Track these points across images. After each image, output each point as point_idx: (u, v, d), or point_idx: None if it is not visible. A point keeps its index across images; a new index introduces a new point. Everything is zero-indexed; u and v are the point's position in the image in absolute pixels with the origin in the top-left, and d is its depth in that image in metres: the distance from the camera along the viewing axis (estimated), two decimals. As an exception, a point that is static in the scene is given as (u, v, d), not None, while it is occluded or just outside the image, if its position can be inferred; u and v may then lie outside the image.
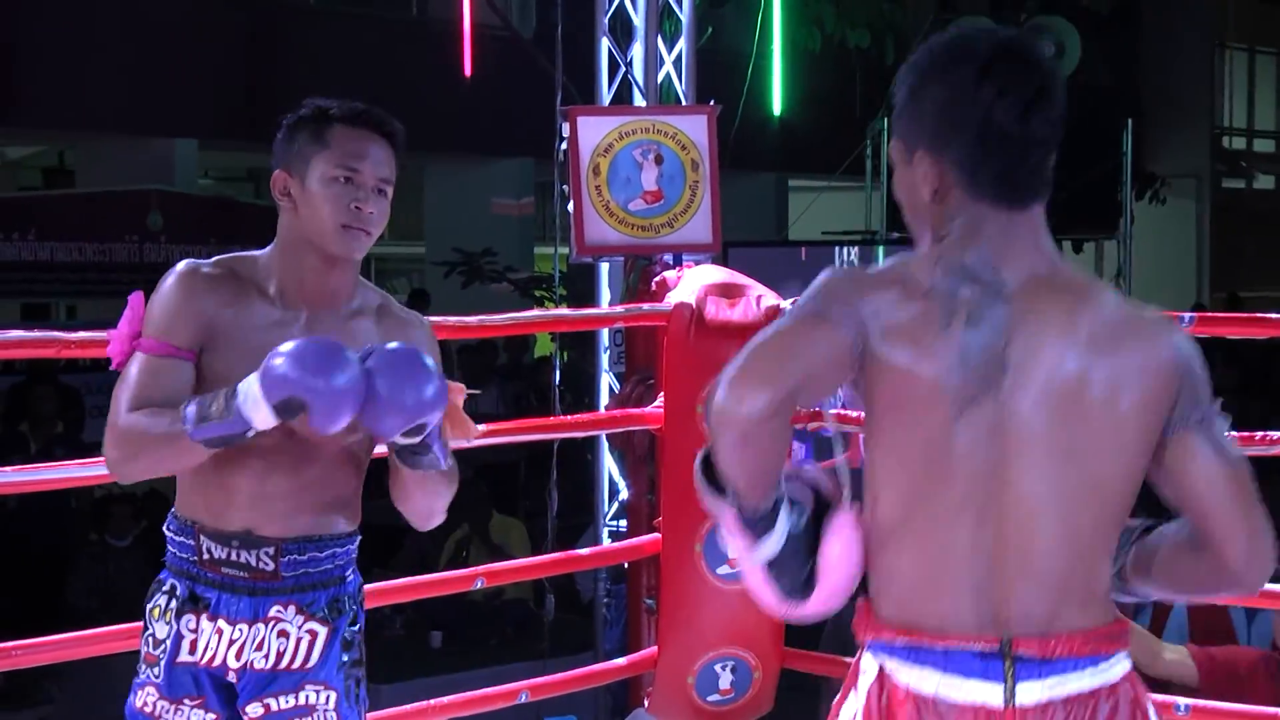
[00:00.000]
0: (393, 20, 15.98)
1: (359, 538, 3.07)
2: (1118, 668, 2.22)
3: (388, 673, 6.73)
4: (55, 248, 12.67)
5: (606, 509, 7.28)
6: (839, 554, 2.26)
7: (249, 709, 2.96)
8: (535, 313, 7.36)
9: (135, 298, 2.97)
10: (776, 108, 10.29)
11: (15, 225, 12.81)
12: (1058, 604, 2.18)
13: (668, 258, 5.91)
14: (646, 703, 5.02)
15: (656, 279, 5.23)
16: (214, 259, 3.01)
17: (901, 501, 2.22)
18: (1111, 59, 16.46)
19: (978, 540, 2.17)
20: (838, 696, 2.32)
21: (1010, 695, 2.15)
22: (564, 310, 6.94)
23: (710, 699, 4.89)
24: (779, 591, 2.30)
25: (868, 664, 2.25)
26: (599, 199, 5.94)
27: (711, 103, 6.28)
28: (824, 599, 2.29)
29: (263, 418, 2.73)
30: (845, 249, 9.69)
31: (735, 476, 2.26)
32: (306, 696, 2.96)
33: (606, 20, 7.44)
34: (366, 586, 4.23)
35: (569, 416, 6.07)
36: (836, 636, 6.02)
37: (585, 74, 7.89)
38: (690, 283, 4.96)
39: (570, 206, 6.02)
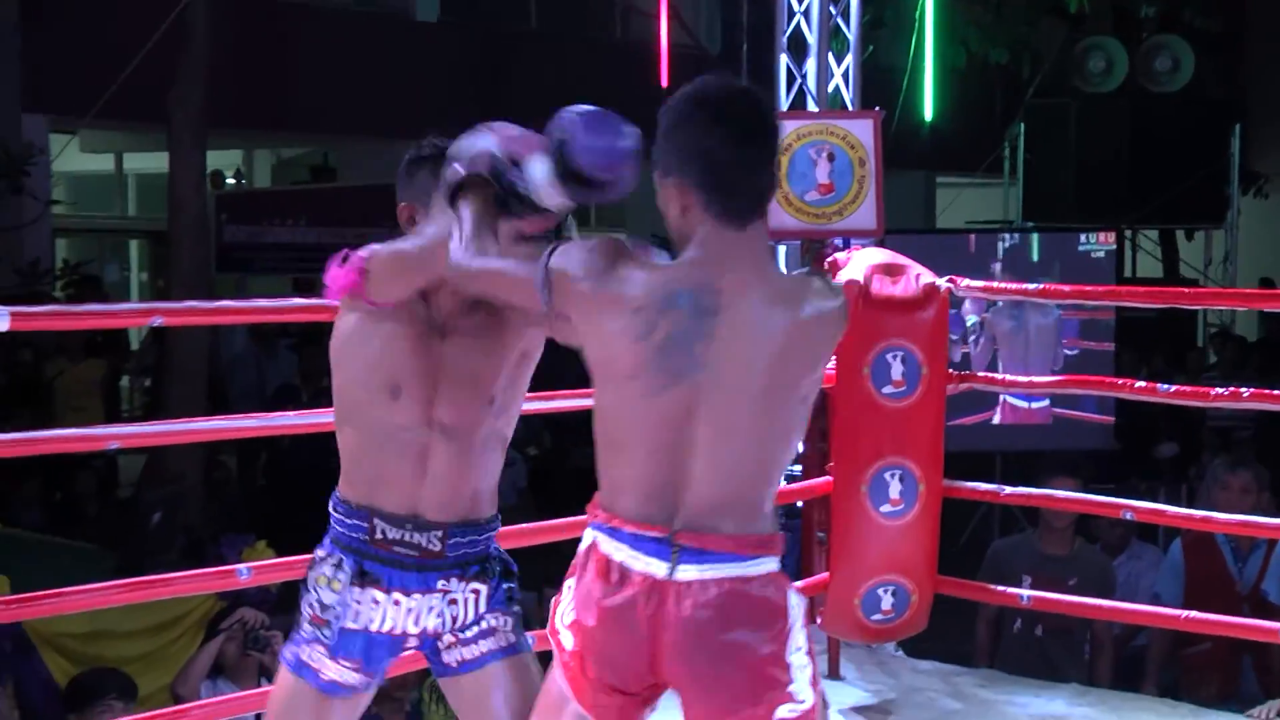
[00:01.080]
0: (599, 41, 16.01)
1: (499, 520, 3.01)
2: (764, 566, 2.49)
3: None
4: (322, 232, 12.86)
5: (781, 455, 7.26)
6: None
7: (443, 639, 2.95)
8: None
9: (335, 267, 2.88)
10: (928, 114, 10.17)
11: (289, 213, 13.06)
12: (714, 516, 2.47)
13: (838, 241, 5.86)
14: (819, 620, 4.99)
15: (829, 259, 5.17)
16: None
17: (617, 432, 2.51)
18: (1221, 72, 16.03)
19: (665, 464, 2.47)
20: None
21: (672, 571, 2.46)
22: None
23: (874, 618, 4.85)
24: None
25: (588, 535, 2.56)
26: (779, 191, 5.89)
27: (877, 109, 6.20)
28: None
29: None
30: (1004, 238, 9.59)
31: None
32: (487, 622, 2.94)
33: (785, 39, 7.40)
34: (555, 522, 4.26)
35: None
36: (992, 569, 5.96)
37: (764, 84, 7.84)
38: (858, 262, 4.90)
39: (755, 197, 5.99)
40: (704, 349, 2.46)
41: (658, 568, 2.46)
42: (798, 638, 2.51)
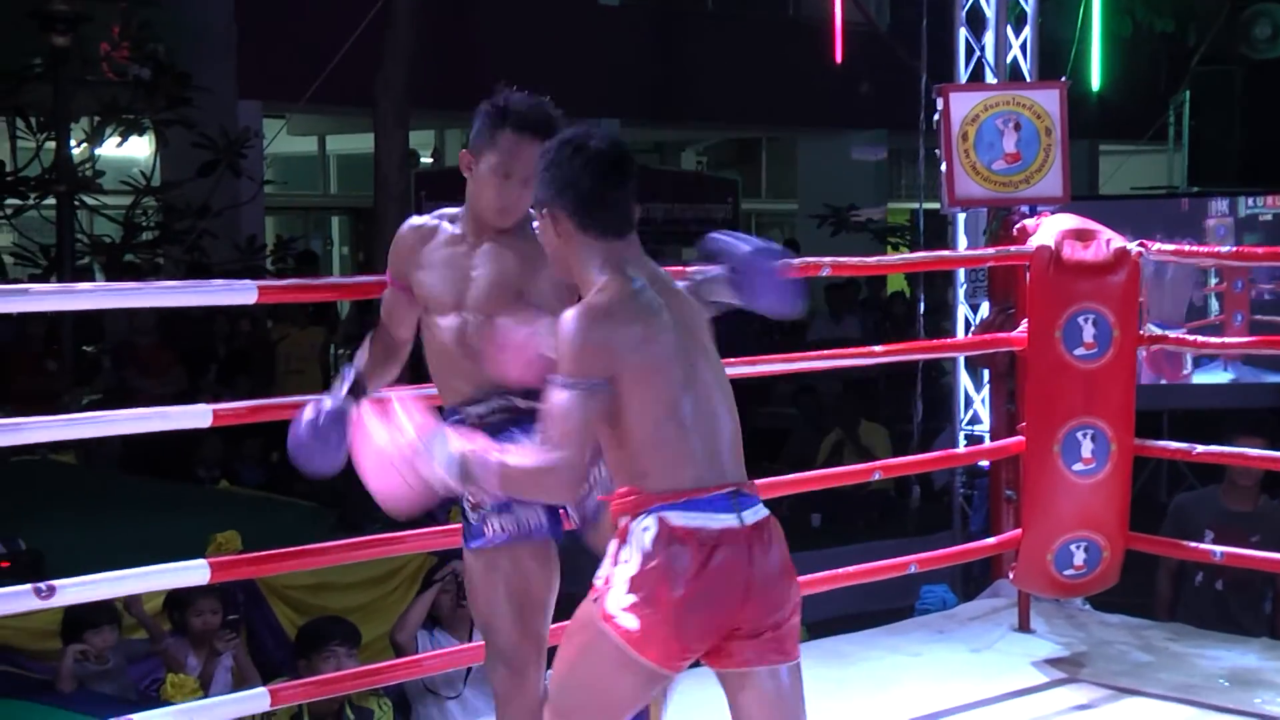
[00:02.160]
0: (774, 20, 15.85)
1: None
2: (763, 506, 2.78)
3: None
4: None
5: (963, 416, 7.13)
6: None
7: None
8: (923, 254, 7.07)
9: None
10: (1095, 84, 9.91)
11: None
12: (738, 466, 2.76)
13: (1024, 208, 5.73)
14: (1010, 575, 4.88)
15: (1017, 226, 5.04)
16: (432, 213, 3.28)
17: (654, 426, 2.70)
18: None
19: (705, 434, 2.72)
20: (608, 556, 2.75)
21: (740, 519, 2.69)
22: (947, 252, 6.67)
23: (1066, 573, 4.73)
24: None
25: (648, 523, 2.68)
26: (967, 160, 5.78)
27: (1062, 79, 6.04)
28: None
29: None
30: (1220, 200, 9.44)
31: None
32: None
33: (964, 14, 7.26)
34: (772, 480, 4.21)
35: (942, 340, 5.91)
36: (1175, 523, 5.79)
37: (934, 58, 7.70)
38: (1048, 228, 4.77)
39: (942, 167, 5.87)
40: (677, 327, 2.74)
41: (730, 520, 2.69)
42: None
